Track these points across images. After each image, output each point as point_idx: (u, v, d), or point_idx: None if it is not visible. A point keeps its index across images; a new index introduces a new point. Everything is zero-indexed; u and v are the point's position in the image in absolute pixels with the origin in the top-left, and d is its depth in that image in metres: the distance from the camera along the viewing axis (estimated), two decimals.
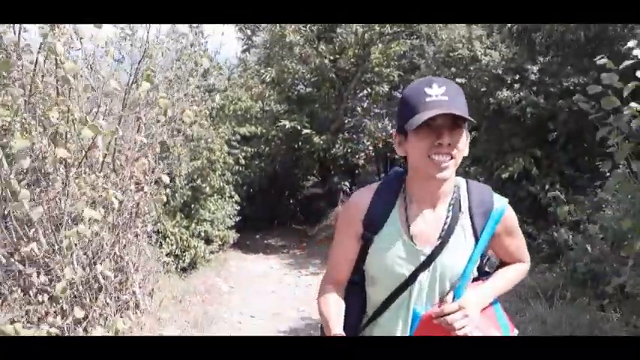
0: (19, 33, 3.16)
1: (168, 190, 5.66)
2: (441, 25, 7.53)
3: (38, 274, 3.14)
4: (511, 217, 1.34)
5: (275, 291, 6.16)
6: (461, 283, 1.28)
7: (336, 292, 1.37)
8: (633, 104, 2.46)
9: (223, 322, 4.73)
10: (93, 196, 3.36)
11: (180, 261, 7.06)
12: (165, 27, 5.92)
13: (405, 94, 1.26)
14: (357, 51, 9.58)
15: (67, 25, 3.40)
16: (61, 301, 3.07)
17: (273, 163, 11.07)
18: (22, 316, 2.87)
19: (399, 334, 1.30)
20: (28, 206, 2.77)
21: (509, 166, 6.02)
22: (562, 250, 5.09)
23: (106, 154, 3.68)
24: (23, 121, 2.94)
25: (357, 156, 10.21)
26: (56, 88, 3.17)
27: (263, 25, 10.27)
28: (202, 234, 7.62)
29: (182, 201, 7.39)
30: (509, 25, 6.53)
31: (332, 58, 9.49)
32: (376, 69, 9.62)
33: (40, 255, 3.13)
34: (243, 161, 8.96)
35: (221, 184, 8.07)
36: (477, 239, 1.29)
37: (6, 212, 3.11)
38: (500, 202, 1.32)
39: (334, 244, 1.41)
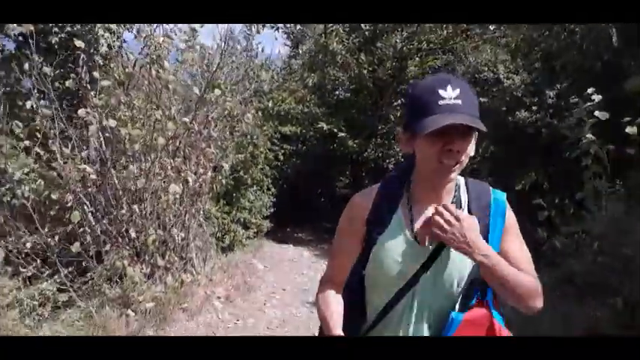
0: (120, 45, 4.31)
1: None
2: (470, 46, 8.34)
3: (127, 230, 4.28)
4: (511, 212, 1.35)
5: (304, 273, 7.17)
6: (477, 274, 1.27)
7: (336, 290, 1.39)
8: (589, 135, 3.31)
9: (260, 290, 5.77)
10: (172, 175, 4.48)
11: (221, 242, 8.12)
12: (221, 29, 7.01)
13: (417, 92, 1.23)
14: (394, 63, 10.50)
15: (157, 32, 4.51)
16: (150, 249, 4.17)
17: (309, 162, 12.15)
18: (124, 257, 3.99)
19: (405, 334, 1.31)
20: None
21: (522, 180, 6.81)
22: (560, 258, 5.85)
23: (182, 144, 4.79)
24: (135, 116, 4.09)
25: (387, 160, 11.10)
26: (156, 92, 4.30)
27: (309, 34, 11.33)
28: (241, 220, 8.71)
29: (225, 189, 8.45)
30: (534, 50, 7.31)
31: (370, 68, 10.45)
32: (411, 81, 10.50)
33: (134, 217, 4.27)
34: (281, 157, 10.03)
35: (261, 176, 9.15)
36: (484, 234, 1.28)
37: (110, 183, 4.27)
38: (498, 195, 1.34)
39: (336, 245, 1.43)
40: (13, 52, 4.57)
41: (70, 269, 4.00)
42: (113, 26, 4.55)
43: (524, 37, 7.63)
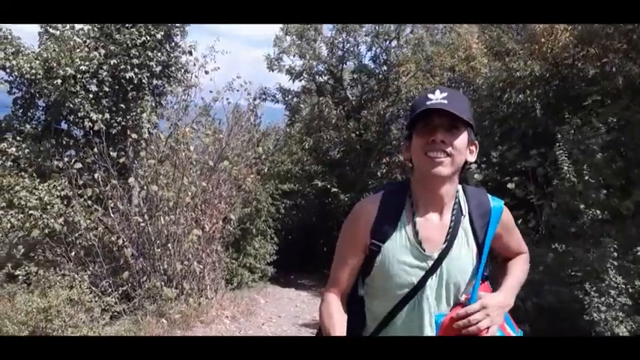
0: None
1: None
2: None
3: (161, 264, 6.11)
4: (508, 215, 1.45)
5: (298, 306, 8.81)
6: (474, 286, 1.36)
7: (338, 302, 1.42)
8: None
9: (260, 316, 7.43)
10: (193, 224, 6.37)
11: (230, 284, 9.86)
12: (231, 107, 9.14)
13: (413, 103, 1.38)
14: (379, 128, 12.56)
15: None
16: (177, 277, 5.99)
17: (309, 215, 14.00)
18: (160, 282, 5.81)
19: None
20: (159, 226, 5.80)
21: None
22: None
23: (200, 201, 6.73)
24: (162, 180, 6.06)
25: None
26: (183, 165, 6.29)
27: (304, 106, 13.56)
28: (247, 265, 10.49)
29: (234, 238, 10.28)
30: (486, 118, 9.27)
31: (358, 132, 12.51)
32: (394, 142, 12.52)
33: (166, 254, 6.13)
34: (283, 211, 11.92)
35: (264, 227, 11.02)
36: (477, 241, 1.38)
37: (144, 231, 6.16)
38: (497, 202, 1.42)
39: (338, 255, 1.45)
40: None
41: (121, 290, 5.82)
42: (153, 117, 6.62)
43: (482, 107, 9.60)
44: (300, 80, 12.83)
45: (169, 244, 6.06)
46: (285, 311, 8.20)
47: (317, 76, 12.84)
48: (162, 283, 5.84)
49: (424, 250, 1.33)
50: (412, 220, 1.35)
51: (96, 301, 5.38)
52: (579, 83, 8.03)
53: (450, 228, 1.35)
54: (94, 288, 5.52)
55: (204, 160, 6.68)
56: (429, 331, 1.32)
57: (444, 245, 1.34)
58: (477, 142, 1.38)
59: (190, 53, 6.93)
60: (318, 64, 12.63)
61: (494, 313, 1.29)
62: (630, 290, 4.81)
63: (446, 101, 1.26)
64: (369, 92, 12.68)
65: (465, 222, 1.38)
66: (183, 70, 6.90)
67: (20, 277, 5.39)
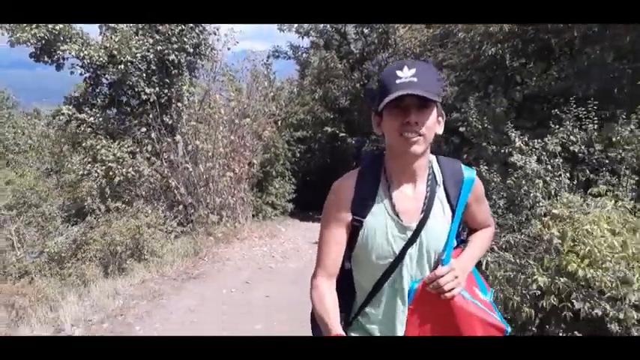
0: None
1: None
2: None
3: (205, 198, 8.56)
4: (480, 185, 1.54)
5: (313, 233, 11.27)
6: (447, 251, 1.46)
7: (329, 286, 1.48)
8: None
9: (281, 237, 9.89)
10: (226, 168, 8.74)
11: (256, 218, 12.35)
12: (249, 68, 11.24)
13: (379, 78, 1.41)
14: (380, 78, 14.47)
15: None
16: (217, 208, 8.44)
17: (323, 157, 16.28)
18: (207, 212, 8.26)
19: (398, 311, 1.47)
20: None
21: None
22: None
23: (229, 150, 9.05)
24: (201, 136, 8.37)
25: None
26: (216, 124, 8.56)
27: (313, 59, 15.44)
28: (270, 202, 12.94)
29: (257, 180, 12.65)
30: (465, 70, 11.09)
31: (362, 82, 14.42)
32: None
33: (207, 190, 8.56)
34: (298, 155, 14.20)
35: (283, 170, 13.36)
36: (452, 208, 1.47)
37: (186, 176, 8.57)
38: (469, 172, 1.52)
39: (323, 236, 1.50)
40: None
41: (178, 218, 8.31)
42: (191, 88, 8.82)
43: (461, 62, 11.37)
44: (309, 37, 14.67)
45: (210, 184, 8.46)
46: (301, 235, 10.66)
47: (323, 33, 14.64)
48: (207, 212, 8.30)
49: (402, 221, 1.42)
50: (388, 194, 1.43)
51: (163, 224, 7.88)
52: (544, 35, 9.78)
53: (426, 198, 1.43)
54: (160, 216, 8.02)
55: (231, 119, 8.92)
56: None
57: (422, 215, 1.42)
58: (443, 113, 1.43)
59: (215, 34, 9.00)
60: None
61: (461, 275, 1.42)
62: None
63: (415, 79, 1.30)
64: (371, 45, 14.44)
65: (440, 191, 1.46)
66: (210, 48, 8.99)
67: (111, 211, 7.88)
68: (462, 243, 1.59)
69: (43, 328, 5.02)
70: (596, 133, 4.65)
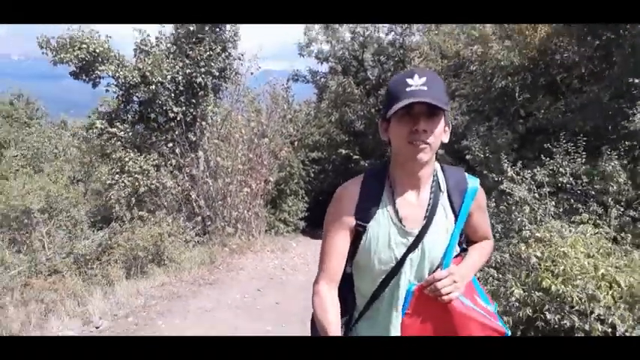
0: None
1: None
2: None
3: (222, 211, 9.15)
4: (482, 195, 1.58)
5: None
6: (446, 258, 1.49)
7: (331, 292, 1.49)
8: None
9: (292, 252, 10.39)
10: (243, 184, 9.35)
11: (268, 232, 12.89)
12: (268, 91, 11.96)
13: (389, 85, 1.42)
14: None
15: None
16: (231, 221, 9.01)
17: (336, 178, 16.84)
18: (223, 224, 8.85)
19: (394, 316, 1.49)
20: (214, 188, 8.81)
21: None
22: None
23: (247, 167, 9.67)
24: (222, 153, 9.01)
25: None
26: (236, 142, 9.20)
27: (331, 83, 16.16)
28: (282, 219, 13.50)
29: (272, 197, 13.22)
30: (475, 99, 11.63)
31: (377, 108, 15.05)
32: None
33: (225, 204, 9.16)
34: (312, 175, 14.79)
35: (297, 188, 13.94)
36: (455, 216, 1.50)
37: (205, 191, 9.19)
38: (473, 181, 1.55)
39: (327, 242, 1.52)
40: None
41: (196, 229, 8.90)
42: (215, 108, 9.51)
43: (474, 91, 11.92)
44: (328, 62, 15.42)
45: (227, 198, 9.06)
46: (311, 251, 11.14)
47: (342, 60, 15.39)
48: (224, 224, 8.87)
49: (405, 227, 1.45)
50: (392, 200, 1.47)
51: (182, 234, 8.47)
52: (553, 70, 10.30)
53: (429, 205, 1.47)
54: (180, 225, 8.62)
55: (250, 138, 9.56)
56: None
57: (424, 222, 1.46)
58: (450, 122, 1.46)
59: (239, 59, 9.72)
60: (342, 49, 15.14)
61: (460, 281, 1.44)
62: None
63: (425, 87, 1.33)
64: (387, 72, 15.11)
65: (444, 198, 1.50)
66: (234, 73, 9.70)
67: (135, 218, 8.49)
68: (463, 251, 1.61)
69: (72, 320, 5.57)
70: (583, 167, 5.13)
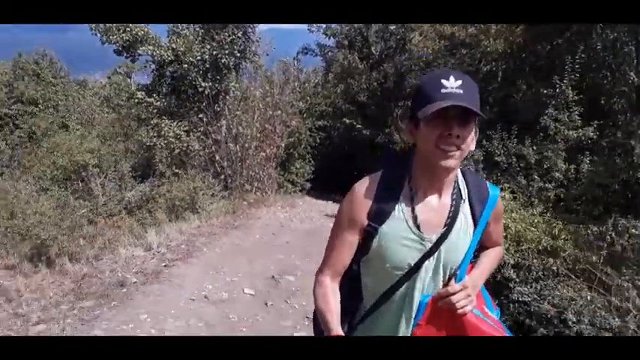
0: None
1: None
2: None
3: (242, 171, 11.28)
4: (501, 204, 1.60)
5: (325, 209, 13.91)
6: (462, 267, 1.51)
7: (333, 284, 1.54)
8: None
9: (299, 209, 12.52)
10: (259, 149, 11.45)
11: (277, 191, 15.01)
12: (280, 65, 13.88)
13: (422, 83, 1.39)
14: (396, 78, 16.87)
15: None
16: (249, 180, 11.14)
17: (342, 144, 18.86)
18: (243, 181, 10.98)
19: (403, 322, 1.52)
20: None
21: None
22: None
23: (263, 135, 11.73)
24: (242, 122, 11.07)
25: (392, 145, 17.54)
26: (254, 113, 11.23)
27: (341, 54, 17.92)
28: (291, 180, 15.60)
29: (281, 160, 15.24)
30: None
31: (379, 82, 16.87)
32: (408, 89, 16.82)
33: (244, 165, 11.29)
34: (318, 141, 16.80)
35: (304, 153, 15.99)
36: (475, 225, 1.51)
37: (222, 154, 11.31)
38: (494, 190, 1.56)
39: (335, 236, 1.55)
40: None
41: (220, 185, 11.05)
42: (236, 84, 11.47)
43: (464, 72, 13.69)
44: (335, 37, 17.13)
45: (246, 160, 11.16)
46: (315, 209, 13.30)
47: (347, 36, 17.10)
48: (243, 182, 11.01)
49: (422, 233, 1.45)
50: (411, 204, 1.46)
51: (209, 189, 10.61)
52: (533, 58, 12.05)
53: (450, 212, 1.46)
54: (208, 182, 10.78)
55: (265, 110, 11.57)
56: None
57: (444, 229, 1.46)
58: (478, 130, 1.42)
59: (257, 41, 11.61)
60: (348, 26, 16.83)
61: (472, 293, 1.46)
62: None
63: (461, 91, 1.30)
64: (389, 49, 16.82)
65: (465, 206, 1.50)
66: (253, 54, 11.61)
67: (168, 175, 10.60)
68: (474, 258, 1.62)
69: (135, 248, 7.77)
70: (514, 150, 7.06)
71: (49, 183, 10.18)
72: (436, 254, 1.47)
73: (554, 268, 4.77)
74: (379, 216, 1.46)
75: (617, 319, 4.16)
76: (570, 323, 4.19)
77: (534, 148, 6.55)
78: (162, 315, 4.75)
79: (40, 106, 21.34)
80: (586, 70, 7.50)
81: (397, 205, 1.47)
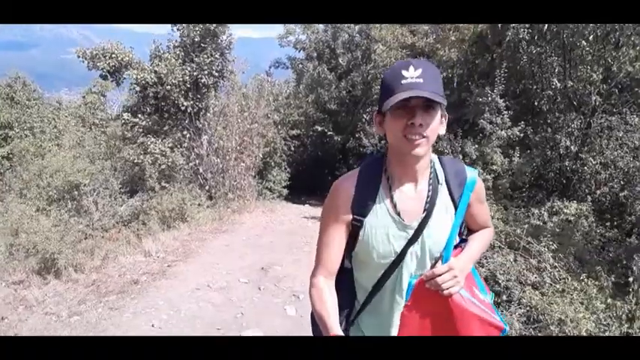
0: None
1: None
2: None
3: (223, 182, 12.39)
4: (481, 186, 1.64)
5: (302, 211, 15.08)
6: (447, 250, 1.55)
7: (328, 285, 1.58)
8: None
9: (278, 213, 13.66)
10: (239, 160, 12.59)
11: (257, 198, 16.13)
12: (255, 81, 15.09)
13: (384, 77, 1.45)
14: (363, 86, 18.22)
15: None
16: (232, 189, 12.26)
17: (315, 151, 20.10)
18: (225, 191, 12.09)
19: (397, 309, 1.57)
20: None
21: None
22: None
23: (242, 147, 12.87)
24: (222, 136, 12.19)
25: (363, 149, 18.87)
26: (232, 127, 12.37)
27: (307, 69, 19.21)
28: (269, 187, 16.75)
29: (259, 169, 16.36)
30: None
31: (347, 90, 18.19)
32: (375, 96, 18.17)
33: (225, 176, 12.41)
34: (292, 149, 18.00)
35: (280, 161, 17.17)
36: (455, 208, 1.57)
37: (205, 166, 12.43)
38: (472, 172, 1.61)
39: (323, 235, 1.60)
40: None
41: (206, 195, 12.12)
42: (215, 101, 12.59)
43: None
44: (305, 51, 18.43)
45: (228, 171, 12.27)
46: (292, 213, 14.47)
47: (316, 49, 18.42)
48: (226, 192, 12.11)
49: (404, 221, 1.52)
50: (389, 193, 1.53)
51: (196, 199, 11.66)
52: (480, 68, 13.49)
53: (428, 197, 1.53)
54: (194, 193, 11.83)
55: (243, 124, 12.71)
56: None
57: (424, 214, 1.52)
58: (446, 113, 1.50)
59: (233, 61, 12.76)
60: (317, 40, 18.15)
61: (460, 275, 1.49)
62: None
63: (421, 80, 1.35)
64: (356, 59, 18.17)
65: (443, 190, 1.57)
66: (230, 72, 12.75)
67: (157, 189, 11.60)
68: (463, 242, 1.69)
69: (135, 255, 8.80)
70: (460, 148, 8.39)
71: (45, 203, 11.06)
72: (419, 240, 1.54)
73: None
74: (362, 208, 1.54)
75: (535, 275, 5.46)
76: (500, 281, 5.45)
77: (476, 146, 7.90)
78: (175, 301, 5.85)
79: (15, 129, 21.89)
80: (518, 79, 8.92)
81: (377, 197, 1.55)
